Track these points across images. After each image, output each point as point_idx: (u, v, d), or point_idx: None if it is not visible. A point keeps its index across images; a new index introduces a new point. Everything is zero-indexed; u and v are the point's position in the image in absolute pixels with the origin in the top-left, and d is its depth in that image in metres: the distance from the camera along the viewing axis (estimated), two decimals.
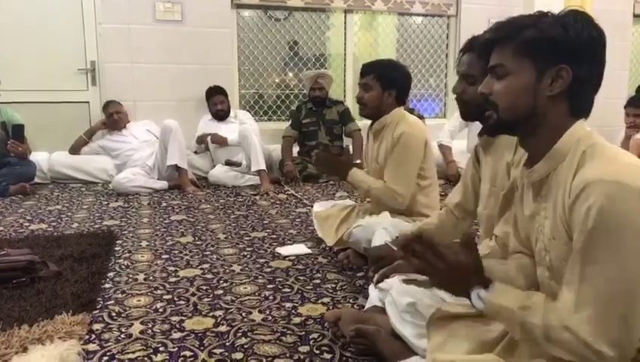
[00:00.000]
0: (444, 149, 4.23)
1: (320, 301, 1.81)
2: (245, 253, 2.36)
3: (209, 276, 2.07)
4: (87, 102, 4.43)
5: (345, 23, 5.06)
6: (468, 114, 1.48)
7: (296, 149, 4.40)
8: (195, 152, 4.31)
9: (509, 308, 0.93)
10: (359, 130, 4.27)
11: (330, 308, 1.75)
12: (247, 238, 2.60)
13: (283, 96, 5.05)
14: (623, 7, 5.55)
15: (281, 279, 2.03)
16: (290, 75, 5.24)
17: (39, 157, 4.04)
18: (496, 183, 1.43)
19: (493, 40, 1.02)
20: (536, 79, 0.96)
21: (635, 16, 5.68)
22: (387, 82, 2.15)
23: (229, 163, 4.10)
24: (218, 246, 2.48)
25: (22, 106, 4.06)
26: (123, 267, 2.18)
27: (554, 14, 0.98)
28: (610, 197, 0.83)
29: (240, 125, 4.17)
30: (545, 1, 5.15)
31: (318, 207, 2.61)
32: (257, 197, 3.62)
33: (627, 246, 0.83)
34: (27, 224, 2.91)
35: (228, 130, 4.19)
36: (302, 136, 4.38)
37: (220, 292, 1.90)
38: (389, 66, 2.24)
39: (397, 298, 1.37)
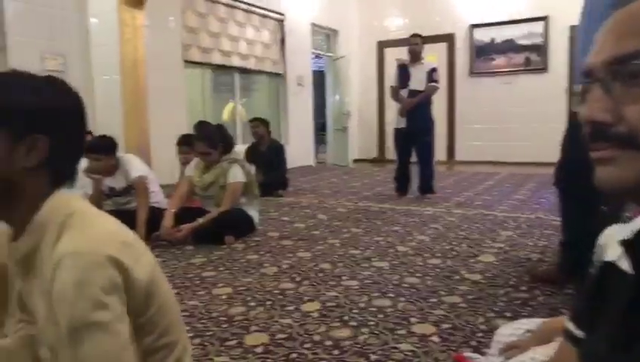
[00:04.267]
0: None
1: None
2: None
3: None
4: None
5: None
6: None
7: None
8: None
9: None
10: None
11: None
12: None
13: None
14: (174, 53, 6.26)
15: None
16: None
17: None
18: None
19: None
20: (11, 149, 0.89)
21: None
22: None
23: None
24: None
25: None
26: None
27: (29, 78, 0.93)
28: (81, 269, 0.84)
29: None
30: (101, 44, 5.29)
31: None
32: None
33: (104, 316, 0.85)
34: None
35: None
36: None
37: None
38: None
39: None
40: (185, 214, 3.49)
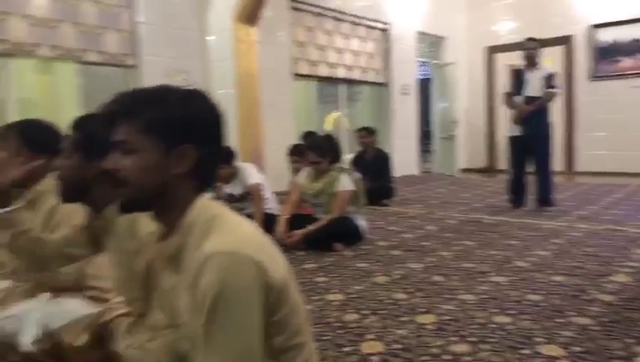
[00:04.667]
0: None
1: None
2: None
3: None
4: None
5: (7, 67, 4.43)
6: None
7: None
8: None
9: None
10: None
11: None
12: None
13: None
14: (285, 67, 6.51)
15: None
16: None
17: None
18: (124, 268, 1.42)
19: (117, 114, 1.00)
20: (163, 157, 0.97)
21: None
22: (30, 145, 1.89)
23: None
24: None
25: None
26: None
27: (177, 92, 1.02)
28: (225, 270, 0.89)
29: None
30: (219, 60, 5.65)
31: None
32: None
33: (240, 322, 0.90)
34: None
35: None
36: None
37: None
38: (28, 126, 1.97)
39: None
40: (296, 220, 3.59)
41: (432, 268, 3.00)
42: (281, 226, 3.54)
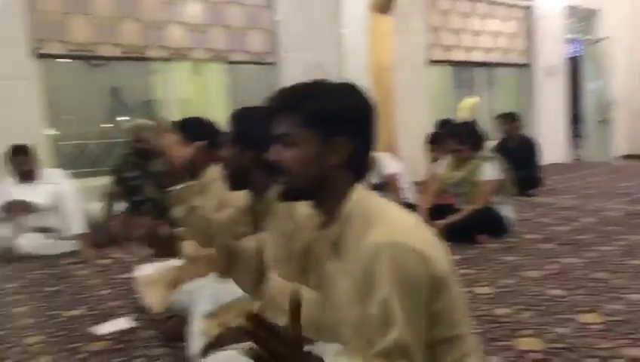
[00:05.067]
0: None
1: None
2: (55, 339, 2.09)
3: None
4: None
5: (167, 70, 4.95)
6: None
7: (122, 206, 4.10)
8: (0, 221, 3.74)
9: None
10: None
11: None
12: (59, 320, 2.31)
13: (108, 146, 4.71)
14: (419, 54, 6.37)
15: None
16: (114, 122, 4.93)
17: None
18: (282, 250, 1.49)
19: (277, 109, 1.05)
20: (321, 149, 1.00)
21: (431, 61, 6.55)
22: (196, 139, 2.10)
23: (39, 229, 3.64)
24: (21, 334, 2.15)
25: None
26: None
27: (331, 85, 1.05)
28: (398, 258, 0.90)
29: (53, 186, 3.76)
30: (353, 51, 5.71)
31: (142, 271, 2.44)
32: (75, 267, 3.26)
33: (412, 308, 0.90)
34: None
35: (36, 192, 3.73)
36: (127, 190, 4.10)
37: None
38: (193, 122, 2.18)
39: None
40: (437, 211, 3.50)
41: (592, 263, 2.72)
42: (421, 216, 3.48)
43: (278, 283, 1.27)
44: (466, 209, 3.43)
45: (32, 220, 3.66)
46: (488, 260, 2.92)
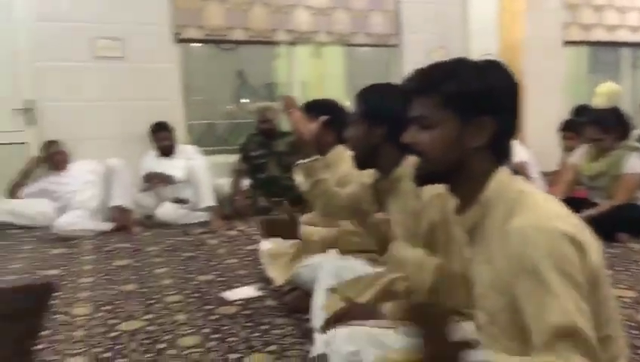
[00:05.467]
0: None
1: (267, 349, 1.77)
2: (191, 300, 2.29)
3: (152, 328, 1.98)
4: (25, 142, 4.24)
5: (291, 53, 5.11)
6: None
7: (247, 182, 4.35)
8: (143, 190, 4.18)
9: None
10: None
11: (278, 356, 1.71)
12: (194, 283, 2.53)
13: (233, 126, 5.01)
14: (554, 34, 5.88)
15: (227, 327, 1.97)
16: (239, 104, 5.22)
17: None
18: (407, 228, 1.47)
19: (414, 90, 1.03)
20: (461, 130, 0.97)
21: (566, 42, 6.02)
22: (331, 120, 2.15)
23: (176, 200, 4.01)
24: (163, 293, 2.39)
25: None
26: (60, 323, 2.06)
27: (472, 63, 1.01)
28: (553, 245, 0.84)
29: (187, 161, 4.10)
30: (479, 32, 5.43)
31: (267, 245, 2.58)
32: (206, 236, 3.54)
33: (566, 286, 0.83)
34: None
35: (174, 166, 4.10)
36: (252, 168, 4.34)
37: (163, 346, 1.82)
38: (328, 104, 2.25)
39: (340, 345, 1.35)
40: (569, 204, 3.22)
41: None
42: None
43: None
44: (605, 204, 3.12)
45: (169, 191, 4.04)
46: (631, 261, 2.65)
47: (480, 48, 5.45)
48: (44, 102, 4.20)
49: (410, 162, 1.89)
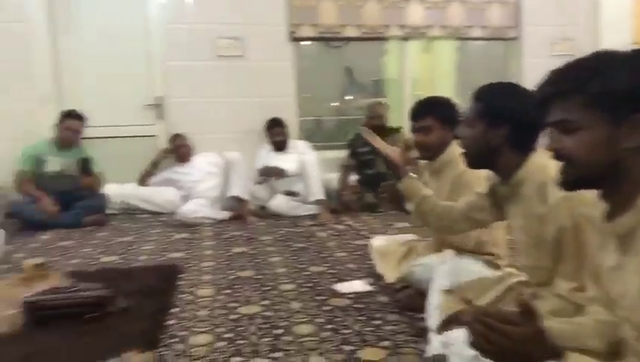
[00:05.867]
0: None
1: (380, 344, 1.78)
2: (304, 289, 2.36)
3: (268, 313, 2.08)
4: (154, 135, 4.65)
5: (402, 49, 5.05)
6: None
7: (355, 178, 4.39)
8: (258, 183, 4.39)
9: None
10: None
11: (391, 352, 1.71)
12: (306, 273, 2.61)
13: (341, 123, 5.08)
14: None
15: (340, 319, 2.01)
16: (344, 100, 5.26)
17: (111, 189, 4.26)
18: (531, 234, 1.39)
19: (554, 94, 0.97)
20: (612, 131, 0.90)
21: None
22: (447, 119, 2.11)
23: (288, 193, 4.16)
24: (277, 281, 2.50)
25: (96, 141, 4.34)
26: (186, 302, 2.24)
27: (618, 56, 0.92)
28: None
29: (299, 156, 4.23)
30: (611, 22, 4.97)
31: (377, 241, 2.58)
32: (316, 228, 3.63)
33: None
34: (98, 256, 3.07)
35: (286, 160, 4.25)
36: (360, 164, 4.37)
37: (280, 331, 1.90)
38: (444, 102, 2.21)
39: (462, 348, 1.31)
40: None
41: None
42: None
43: None
44: None
45: (282, 184, 4.20)
46: None
47: (612, 42, 4.99)
48: (171, 99, 4.57)
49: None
